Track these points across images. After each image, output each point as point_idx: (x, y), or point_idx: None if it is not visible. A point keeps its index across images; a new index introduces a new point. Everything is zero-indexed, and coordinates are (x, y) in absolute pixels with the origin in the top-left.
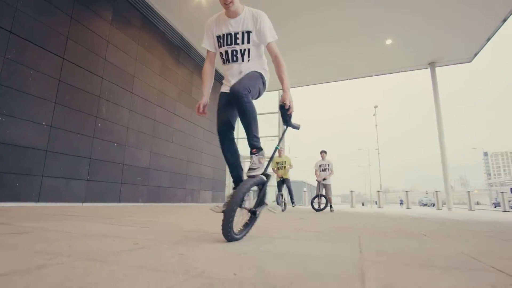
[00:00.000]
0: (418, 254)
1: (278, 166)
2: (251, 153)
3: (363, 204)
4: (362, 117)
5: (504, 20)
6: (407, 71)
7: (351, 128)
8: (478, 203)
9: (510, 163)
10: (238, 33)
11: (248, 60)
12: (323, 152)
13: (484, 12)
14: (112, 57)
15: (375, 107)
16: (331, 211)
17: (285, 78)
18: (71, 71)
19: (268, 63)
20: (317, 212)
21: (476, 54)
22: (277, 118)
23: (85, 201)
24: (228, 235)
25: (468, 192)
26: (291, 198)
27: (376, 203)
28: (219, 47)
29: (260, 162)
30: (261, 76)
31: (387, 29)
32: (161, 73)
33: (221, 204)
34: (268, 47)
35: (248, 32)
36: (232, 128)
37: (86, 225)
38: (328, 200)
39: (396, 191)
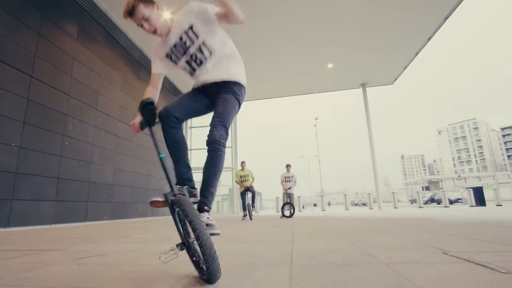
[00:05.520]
0: (384, 243)
1: (242, 179)
2: (203, 209)
3: (303, 207)
4: (303, 128)
5: (417, 54)
6: (344, 89)
7: (292, 138)
8: (398, 200)
9: (420, 165)
10: (181, 37)
11: (210, 54)
12: (288, 166)
13: (401, 46)
14: (78, 73)
15: (316, 119)
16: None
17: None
18: (39, 89)
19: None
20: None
21: (396, 78)
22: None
23: (53, 222)
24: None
25: (393, 192)
26: (252, 202)
27: (315, 205)
28: (176, 64)
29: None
30: (240, 89)
31: (328, 55)
32: (123, 89)
33: (168, 253)
34: (219, 14)
35: (190, 27)
36: (183, 121)
37: (109, 245)
38: (293, 208)
39: (330, 193)
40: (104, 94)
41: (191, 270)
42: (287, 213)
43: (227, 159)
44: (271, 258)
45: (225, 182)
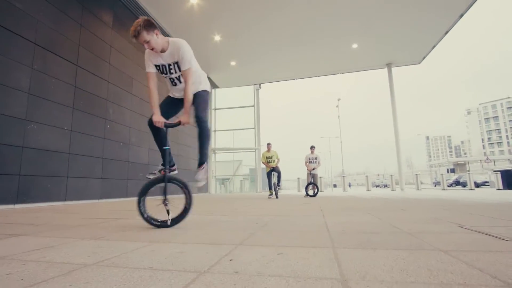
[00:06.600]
0: (406, 218)
1: (268, 160)
2: (202, 163)
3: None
4: (324, 109)
5: (446, 32)
6: (368, 70)
7: (313, 119)
8: (422, 182)
9: (446, 146)
10: (170, 64)
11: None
12: (312, 148)
13: (430, 24)
14: (115, 61)
15: (338, 99)
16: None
17: (187, 102)
18: (83, 77)
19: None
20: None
21: (424, 58)
22: (252, 110)
23: (101, 197)
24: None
25: (416, 174)
26: (278, 181)
27: (335, 186)
28: (160, 74)
29: (205, 176)
30: (206, 93)
31: (353, 36)
32: None
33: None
34: (183, 73)
35: (176, 62)
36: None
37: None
38: (317, 188)
39: (350, 174)
40: (138, 79)
41: (246, 225)
42: (310, 192)
43: (251, 140)
44: (310, 227)
45: (246, 162)
